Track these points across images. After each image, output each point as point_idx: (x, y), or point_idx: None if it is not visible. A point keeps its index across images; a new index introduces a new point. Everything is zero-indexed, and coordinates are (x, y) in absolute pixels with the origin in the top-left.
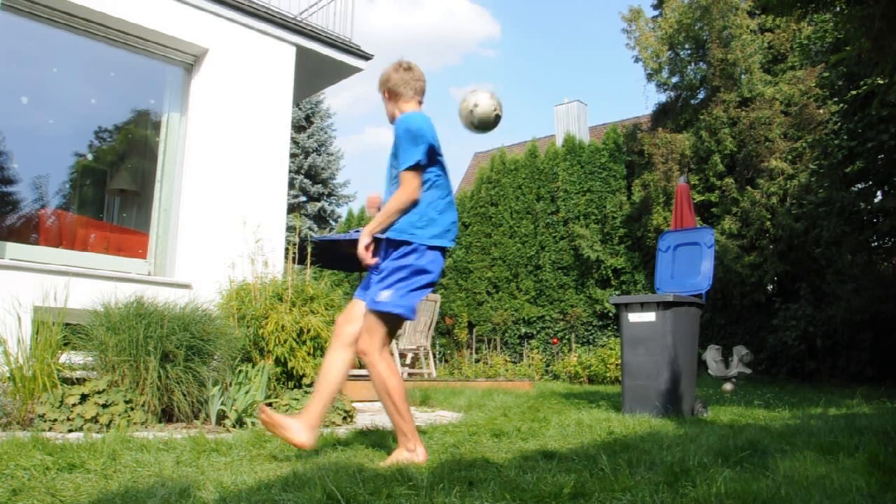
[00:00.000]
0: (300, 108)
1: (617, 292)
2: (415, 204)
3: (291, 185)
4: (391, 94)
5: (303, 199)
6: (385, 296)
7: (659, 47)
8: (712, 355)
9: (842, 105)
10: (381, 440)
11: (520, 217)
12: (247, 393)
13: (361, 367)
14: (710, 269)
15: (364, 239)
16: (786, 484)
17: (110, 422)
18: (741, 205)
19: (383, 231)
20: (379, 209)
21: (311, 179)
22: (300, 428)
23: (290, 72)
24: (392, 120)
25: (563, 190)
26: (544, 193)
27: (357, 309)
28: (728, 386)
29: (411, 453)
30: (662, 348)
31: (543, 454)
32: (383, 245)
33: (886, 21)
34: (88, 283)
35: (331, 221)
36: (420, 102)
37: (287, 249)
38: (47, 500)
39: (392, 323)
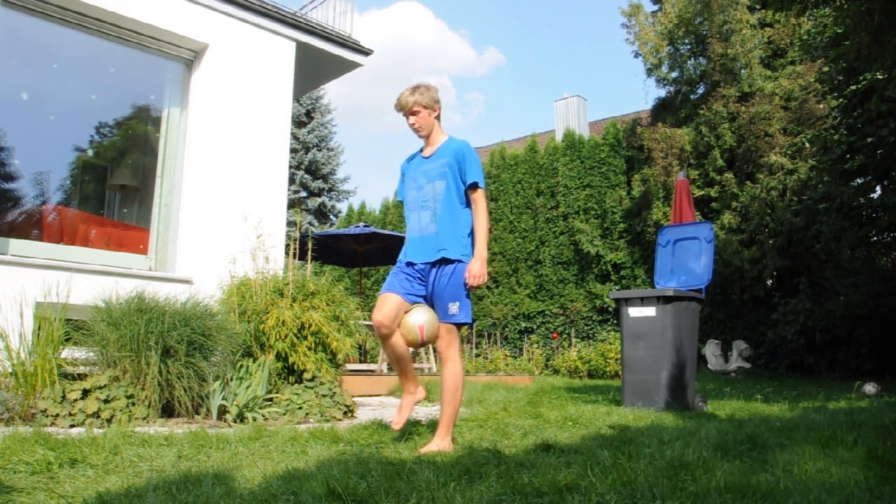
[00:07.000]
0: (300, 104)
1: (617, 287)
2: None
3: (292, 181)
4: (438, 112)
5: (303, 194)
6: (455, 308)
7: (659, 42)
8: (712, 350)
9: (841, 100)
10: (382, 435)
11: (520, 212)
12: (248, 388)
13: (361, 361)
14: (710, 264)
15: (482, 264)
16: (785, 477)
17: (112, 417)
18: (741, 200)
19: (439, 251)
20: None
21: (311, 175)
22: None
23: (291, 67)
24: (424, 130)
25: (562, 185)
26: (544, 188)
27: (392, 301)
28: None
29: (450, 444)
30: (662, 343)
31: (543, 448)
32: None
33: (886, 16)
34: (90, 278)
35: (331, 217)
36: None
37: (288, 245)
38: (49, 495)
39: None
